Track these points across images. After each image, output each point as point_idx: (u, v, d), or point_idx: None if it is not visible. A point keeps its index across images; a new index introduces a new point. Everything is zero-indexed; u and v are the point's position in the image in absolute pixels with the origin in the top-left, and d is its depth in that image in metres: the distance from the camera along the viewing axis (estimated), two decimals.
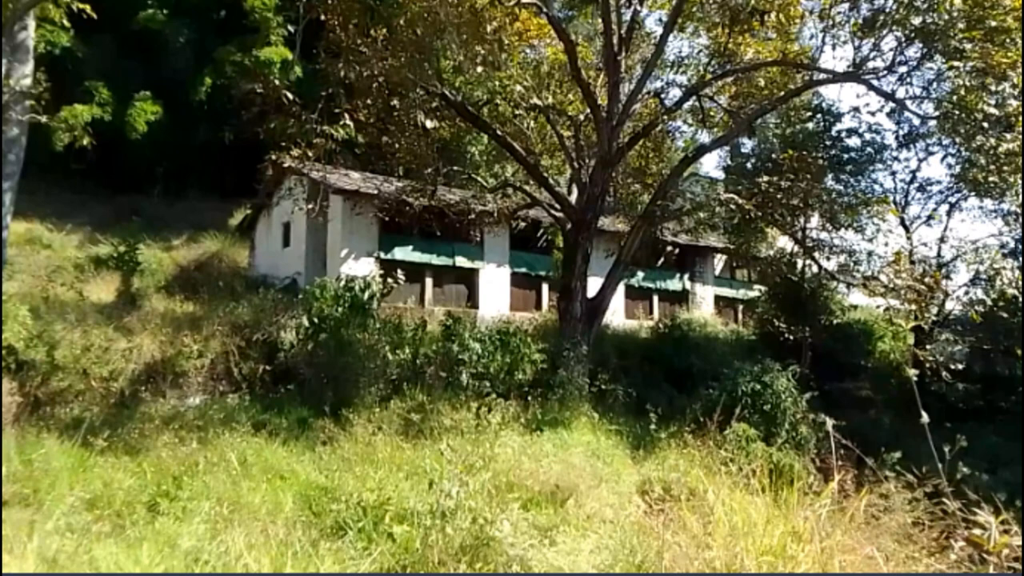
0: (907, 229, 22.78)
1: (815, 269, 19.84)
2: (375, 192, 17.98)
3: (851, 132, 20.15)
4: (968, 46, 11.99)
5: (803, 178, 16.10)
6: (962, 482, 4.11)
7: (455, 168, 18.58)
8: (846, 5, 13.82)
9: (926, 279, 7.19)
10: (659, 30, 16.78)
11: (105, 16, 13.15)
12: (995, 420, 18.73)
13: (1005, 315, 19.39)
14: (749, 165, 20.75)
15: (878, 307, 19.11)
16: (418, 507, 5.53)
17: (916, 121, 19.91)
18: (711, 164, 43.15)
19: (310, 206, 16.24)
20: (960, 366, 21.32)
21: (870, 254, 19.96)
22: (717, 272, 27.97)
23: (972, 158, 17.02)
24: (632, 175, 19.13)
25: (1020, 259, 20.97)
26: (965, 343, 23.44)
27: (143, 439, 8.74)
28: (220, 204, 26.46)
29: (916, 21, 12.71)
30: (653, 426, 10.76)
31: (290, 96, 13.66)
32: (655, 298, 24.95)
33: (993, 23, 11.62)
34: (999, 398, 20.92)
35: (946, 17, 12.12)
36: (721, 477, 6.34)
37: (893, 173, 22.88)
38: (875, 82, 14.09)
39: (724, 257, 27.42)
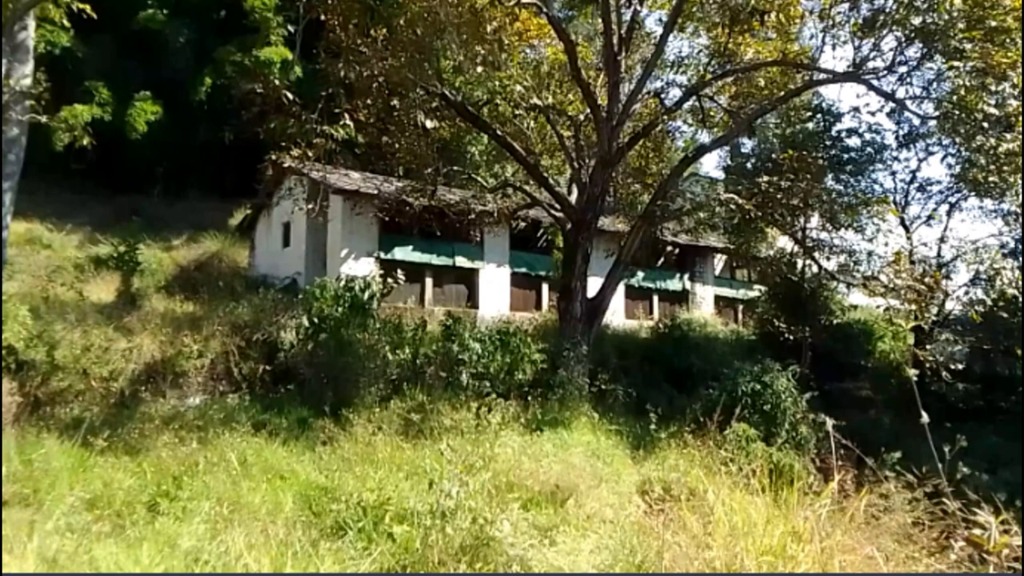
0: (907, 229, 22.79)
1: (815, 269, 19.84)
2: (375, 192, 17.98)
3: (851, 132, 20.18)
4: (968, 46, 11.99)
5: (803, 178, 16.10)
6: (962, 482, 4.11)
7: (455, 168, 18.59)
8: (846, 5, 13.82)
9: (926, 279, 7.19)
10: (659, 30, 16.80)
11: (105, 16, 13.15)
12: (995, 420, 18.73)
13: (1005, 315, 19.39)
14: (749, 165, 20.75)
15: (878, 307, 19.11)
16: (418, 507, 5.53)
17: (916, 121, 19.94)
18: (711, 164, 43.18)
19: (310, 206, 16.24)
20: (960, 366, 21.32)
21: (870, 254, 19.98)
22: (717, 272, 27.98)
23: (972, 158, 17.02)
24: (632, 175, 19.14)
25: (1020, 259, 20.97)
26: (965, 343, 23.44)
27: (143, 439, 8.74)
28: (220, 204, 26.47)
29: (916, 21, 12.71)
30: (653, 426, 10.76)
31: (290, 96, 13.66)
32: (655, 298, 24.95)
33: (993, 23, 11.62)
34: (999, 398, 20.92)
35: (946, 17, 12.12)
36: (721, 477, 6.34)
37: (893, 173, 22.91)
38: (875, 82, 14.09)
39: (724, 257, 27.42)
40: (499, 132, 15.83)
